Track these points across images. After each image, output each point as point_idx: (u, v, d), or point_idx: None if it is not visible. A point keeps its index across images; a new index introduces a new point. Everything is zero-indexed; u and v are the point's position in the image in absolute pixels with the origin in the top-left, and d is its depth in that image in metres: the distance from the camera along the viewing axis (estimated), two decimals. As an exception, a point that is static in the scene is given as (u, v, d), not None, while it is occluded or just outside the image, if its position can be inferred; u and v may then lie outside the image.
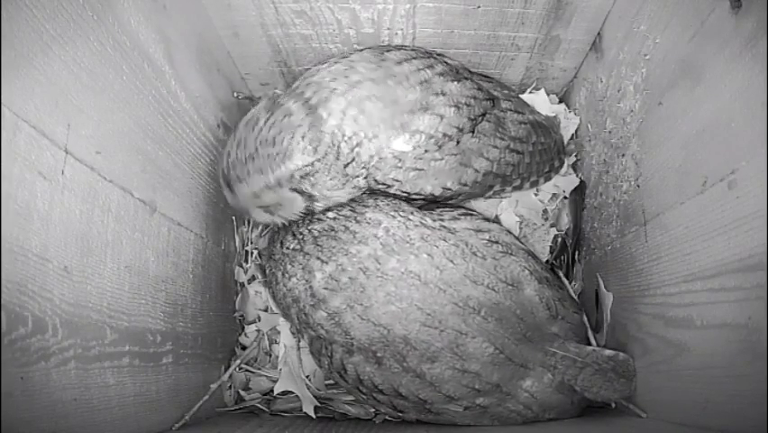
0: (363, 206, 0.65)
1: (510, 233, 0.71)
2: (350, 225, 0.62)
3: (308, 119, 0.61)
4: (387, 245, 0.61)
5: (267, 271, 0.68)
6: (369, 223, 0.62)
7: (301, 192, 0.63)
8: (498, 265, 0.65)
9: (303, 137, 0.60)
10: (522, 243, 0.70)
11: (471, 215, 0.70)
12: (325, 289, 0.61)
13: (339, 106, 0.61)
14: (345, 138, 0.62)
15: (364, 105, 0.62)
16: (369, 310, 0.61)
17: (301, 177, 0.61)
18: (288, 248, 0.64)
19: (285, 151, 0.60)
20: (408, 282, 0.61)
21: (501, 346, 0.63)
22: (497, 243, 0.67)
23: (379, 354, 0.63)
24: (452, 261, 0.62)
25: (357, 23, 0.73)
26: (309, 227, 0.64)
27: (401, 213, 0.64)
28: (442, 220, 0.66)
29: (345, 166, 0.63)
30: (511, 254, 0.66)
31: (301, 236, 0.64)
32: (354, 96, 0.62)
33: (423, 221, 0.65)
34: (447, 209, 0.69)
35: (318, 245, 0.62)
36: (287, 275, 0.64)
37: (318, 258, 0.62)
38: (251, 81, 0.85)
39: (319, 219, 0.64)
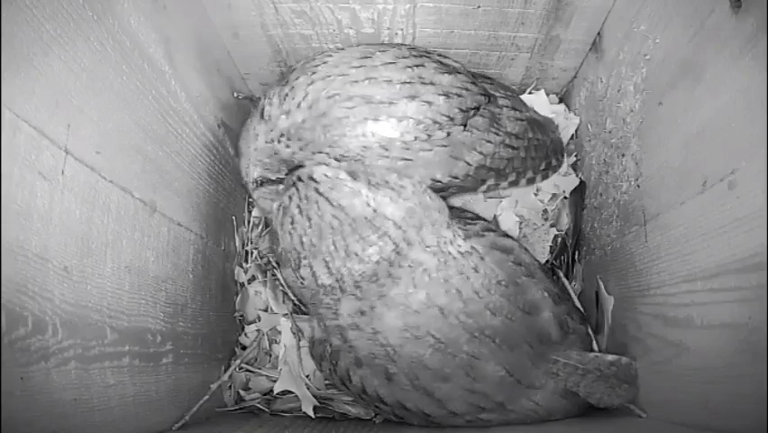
0: (408, 244, 0.60)
1: (527, 250, 0.70)
2: (393, 271, 0.60)
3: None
4: (420, 284, 0.60)
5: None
6: (411, 266, 0.60)
7: None
8: (518, 291, 0.63)
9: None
10: (535, 259, 0.69)
11: (493, 230, 0.68)
12: (350, 325, 0.61)
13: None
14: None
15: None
16: (379, 335, 0.61)
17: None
18: (322, 284, 0.61)
19: None
20: (430, 313, 0.60)
21: (512, 370, 0.62)
22: (520, 265, 0.65)
23: (391, 371, 0.62)
24: (477, 293, 0.61)
25: (357, 22, 0.73)
26: (348, 266, 0.60)
27: (442, 249, 0.62)
28: (469, 237, 0.64)
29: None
30: (532, 277, 0.65)
31: (340, 276, 0.60)
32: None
33: (460, 251, 0.62)
34: (470, 223, 0.68)
35: (358, 287, 0.60)
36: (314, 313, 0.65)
37: (354, 295, 0.61)
38: (251, 81, 0.85)
39: (361, 260, 0.60)
